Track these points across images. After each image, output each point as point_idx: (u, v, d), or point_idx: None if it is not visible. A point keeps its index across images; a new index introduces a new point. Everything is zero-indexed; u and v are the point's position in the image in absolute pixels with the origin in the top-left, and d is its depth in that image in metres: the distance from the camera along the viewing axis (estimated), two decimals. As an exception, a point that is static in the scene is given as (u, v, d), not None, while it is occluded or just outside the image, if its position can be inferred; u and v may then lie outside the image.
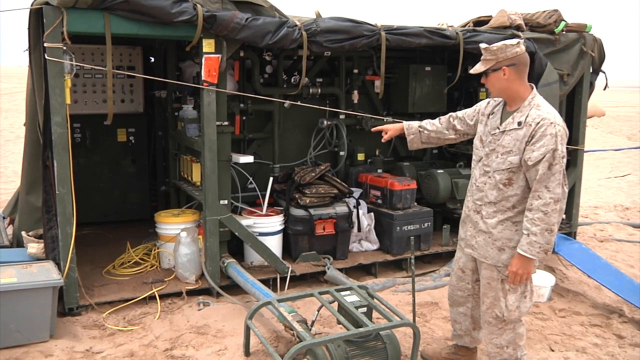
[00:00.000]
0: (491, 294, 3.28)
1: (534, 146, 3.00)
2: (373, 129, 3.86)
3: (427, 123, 3.66)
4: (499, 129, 3.19)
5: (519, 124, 3.08)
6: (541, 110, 3.05)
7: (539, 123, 3.00)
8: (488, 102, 3.40)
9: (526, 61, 3.15)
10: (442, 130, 3.61)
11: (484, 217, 3.26)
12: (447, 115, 3.62)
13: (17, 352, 3.55)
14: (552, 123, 2.99)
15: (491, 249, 3.24)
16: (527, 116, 3.06)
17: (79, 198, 4.06)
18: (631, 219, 7.72)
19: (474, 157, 3.38)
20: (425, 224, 5.44)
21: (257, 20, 4.24)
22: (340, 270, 4.96)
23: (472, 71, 3.26)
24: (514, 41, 3.13)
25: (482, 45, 3.20)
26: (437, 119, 3.65)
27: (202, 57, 4.22)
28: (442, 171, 5.71)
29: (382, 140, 3.81)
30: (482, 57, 3.18)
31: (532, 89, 3.16)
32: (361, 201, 5.45)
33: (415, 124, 3.68)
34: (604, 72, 6.04)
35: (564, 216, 6.24)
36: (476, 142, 3.37)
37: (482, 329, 3.45)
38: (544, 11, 5.66)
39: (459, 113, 3.57)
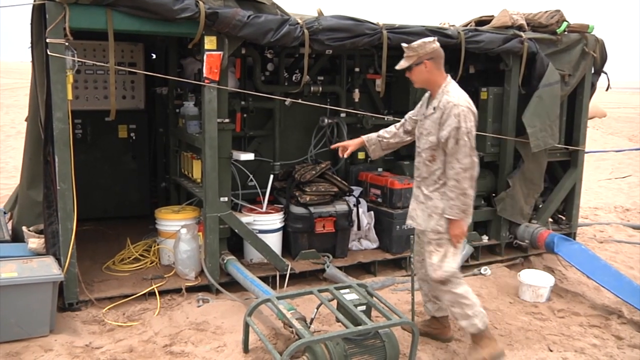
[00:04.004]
0: (426, 255, 3.76)
1: (443, 126, 3.52)
2: (332, 146, 4.17)
3: (384, 132, 4.05)
4: (424, 115, 3.72)
5: (434, 108, 3.61)
6: (450, 95, 3.56)
7: (446, 106, 3.52)
8: (424, 97, 3.86)
9: (442, 54, 3.65)
10: (400, 134, 4.01)
11: (422, 190, 3.73)
12: (402, 121, 4.01)
13: (17, 346, 3.56)
14: (455, 105, 3.49)
15: (425, 216, 3.70)
16: (440, 102, 3.58)
17: (79, 194, 4.07)
18: (631, 220, 7.72)
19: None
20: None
21: (259, 17, 4.24)
22: (340, 268, 4.96)
23: (397, 67, 3.70)
24: (430, 38, 3.64)
25: (404, 45, 3.64)
26: (393, 125, 4.06)
27: (203, 54, 4.22)
28: (442, 170, 5.70)
29: (342, 156, 4.12)
30: (404, 55, 3.65)
31: (447, 77, 3.65)
32: (361, 200, 5.45)
33: (373, 135, 4.07)
34: (605, 73, 6.04)
35: (563, 217, 6.26)
36: (417, 128, 3.85)
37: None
38: (546, 11, 5.66)
39: (408, 115, 3.97)
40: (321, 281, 4.92)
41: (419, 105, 3.90)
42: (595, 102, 12.40)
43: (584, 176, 6.37)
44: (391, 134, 4.03)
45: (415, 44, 3.60)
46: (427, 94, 3.80)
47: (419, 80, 3.69)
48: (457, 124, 3.46)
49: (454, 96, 3.55)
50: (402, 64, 3.67)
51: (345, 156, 4.12)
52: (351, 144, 4.08)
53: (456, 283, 3.67)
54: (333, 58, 5.75)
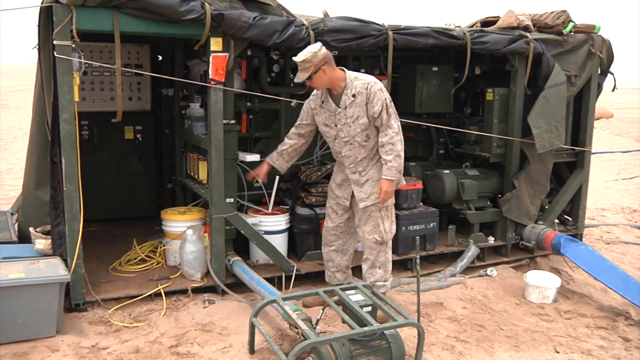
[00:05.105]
0: (372, 223, 4.16)
1: (372, 103, 3.93)
2: (248, 177, 4.63)
3: (281, 146, 4.42)
4: (339, 108, 4.04)
5: (354, 95, 3.98)
6: (361, 79, 4.00)
7: (367, 87, 3.95)
8: (311, 99, 4.24)
9: (331, 56, 3.99)
10: (295, 143, 4.36)
11: (362, 173, 4.14)
12: (290, 131, 4.39)
13: (25, 346, 3.58)
14: (374, 83, 3.98)
15: (373, 189, 4.10)
16: (355, 88, 3.98)
17: (86, 195, 4.09)
18: (638, 221, 7.68)
19: (327, 139, 4.26)
20: (431, 224, 5.43)
21: (265, 19, 4.25)
22: (346, 269, 4.96)
23: (297, 80, 3.97)
24: (317, 46, 3.94)
25: (296, 59, 3.89)
26: (285, 137, 4.42)
27: (209, 56, 4.23)
28: (448, 171, 5.70)
29: (261, 181, 4.52)
30: (300, 68, 3.90)
31: (344, 70, 4.05)
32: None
33: (273, 153, 4.44)
34: (612, 74, 6.01)
35: (569, 218, 6.24)
36: (323, 128, 4.21)
37: (365, 254, 4.31)
38: (552, 12, 5.64)
39: (298, 122, 4.33)
40: (326, 282, 4.92)
41: (309, 107, 4.22)
42: (602, 102, 12.37)
43: (591, 177, 6.34)
44: (287, 144, 4.38)
45: (307, 56, 3.86)
46: (320, 93, 4.14)
47: (321, 84, 4.01)
48: (383, 97, 3.95)
49: (365, 78, 4.03)
50: (300, 77, 3.93)
51: (262, 182, 4.55)
52: (259, 171, 4.44)
53: (389, 247, 4.29)
54: (339, 59, 5.74)
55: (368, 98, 3.94)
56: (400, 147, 4.00)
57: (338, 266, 4.48)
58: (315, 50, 3.89)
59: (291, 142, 4.38)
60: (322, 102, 4.14)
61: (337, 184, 4.34)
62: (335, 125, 4.10)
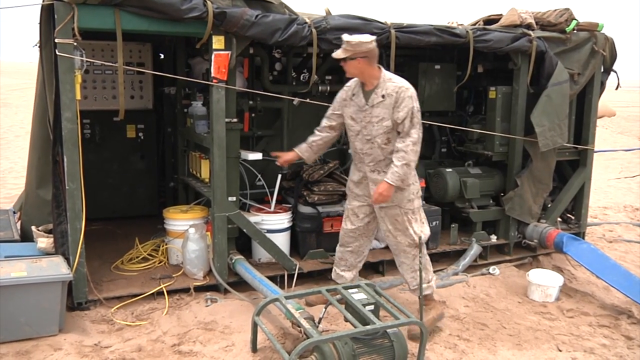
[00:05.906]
0: (400, 227, 4.08)
1: (399, 108, 3.87)
2: (273, 153, 4.55)
3: (311, 137, 4.34)
4: (367, 105, 3.99)
5: (383, 96, 3.92)
6: (395, 82, 3.95)
7: (397, 91, 3.89)
8: (343, 90, 4.19)
9: (376, 53, 3.94)
10: (326, 135, 4.30)
11: (380, 172, 4.05)
12: (322, 123, 4.30)
13: (27, 345, 3.58)
14: (407, 88, 3.92)
15: (395, 192, 3.96)
16: (386, 89, 3.92)
17: (88, 194, 4.08)
18: (641, 219, 7.67)
19: (350, 133, 4.17)
20: (433, 223, 5.42)
21: (267, 17, 4.24)
22: (348, 268, 4.95)
23: (334, 55, 3.96)
24: (370, 38, 3.89)
25: (345, 38, 3.87)
26: (316, 130, 4.33)
27: (211, 54, 4.23)
28: (450, 170, 5.70)
29: (278, 164, 4.46)
30: (343, 46, 3.89)
31: (381, 69, 4.00)
32: (369, 199, 5.44)
33: (303, 144, 4.36)
34: (615, 72, 6.00)
35: (572, 217, 6.23)
36: (348, 121, 4.14)
37: (399, 258, 4.23)
38: (555, 10, 5.62)
39: (329, 112, 4.27)
40: (329, 281, 4.90)
41: (341, 97, 4.18)
42: (605, 101, 12.34)
43: (593, 175, 6.33)
44: (318, 136, 4.32)
45: (354, 40, 3.84)
46: (353, 85, 4.11)
47: (351, 72, 4.00)
48: (412, 104, 3.88)
49: (399, 82, 3.96)
50: (338, 54, 3.93)
51: (279, 164, 4.46)
52: (286, 157, 4.38)
53: (425, 249, 4.18)
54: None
55: (396, 102, 3.88)
56: (412, 157, 3.89)
57: (350, 266, 4.44)
58: (363, 40, 3.85)
59: (322, 135, 4.31)
60: (353, 95, 4.09)
61: (354, 183, 4.28)
62: (361, 121, 4.06)
